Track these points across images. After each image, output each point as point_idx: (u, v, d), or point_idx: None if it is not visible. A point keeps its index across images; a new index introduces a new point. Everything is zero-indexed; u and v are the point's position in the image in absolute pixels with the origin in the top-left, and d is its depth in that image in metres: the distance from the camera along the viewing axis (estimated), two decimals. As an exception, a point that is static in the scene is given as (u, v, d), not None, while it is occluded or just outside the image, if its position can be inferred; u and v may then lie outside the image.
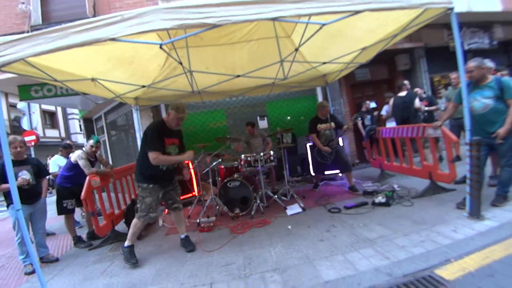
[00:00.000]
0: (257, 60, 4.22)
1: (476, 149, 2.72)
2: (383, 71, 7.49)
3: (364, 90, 7.51)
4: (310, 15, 2.28)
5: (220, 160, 4.54)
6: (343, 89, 7.00)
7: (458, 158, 4.66)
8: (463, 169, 3.20)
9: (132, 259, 2.89)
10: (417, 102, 5.24)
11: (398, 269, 2.09)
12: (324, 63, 4.47)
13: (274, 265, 2.46)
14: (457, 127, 4.33)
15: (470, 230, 2.54)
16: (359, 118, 4.54)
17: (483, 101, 2.88)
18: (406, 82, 5.67)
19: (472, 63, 2.90)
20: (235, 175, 4.25)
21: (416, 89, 5.91)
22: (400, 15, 2.95)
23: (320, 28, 2.66)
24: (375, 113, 6.11)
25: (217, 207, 4.23)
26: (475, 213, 2.74)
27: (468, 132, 2.79)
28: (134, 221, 2.97)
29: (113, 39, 2.06)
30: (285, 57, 4.03)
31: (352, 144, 6.96)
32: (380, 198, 3.61)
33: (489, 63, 3.30)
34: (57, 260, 3.42)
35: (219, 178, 4.56)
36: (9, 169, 2.28)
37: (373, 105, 6.35)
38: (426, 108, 5.49)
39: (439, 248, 2.31)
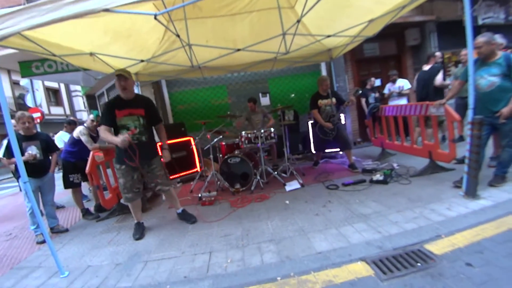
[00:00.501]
0: (258, 33, 4.07)
1: (477, 128, 2.68)
2: (391, 46, 7.16)
3: (370, 67, 7.27)
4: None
5: (221, 136, 4.57)
6: (348, 65, 6.80)
7: (461, 138, 4.63)
8: (464, 148, 3.18)
9: (136, 235, 3.01)
10: (438, 79, 4.74)
11: (389, 243, 2.17)
12: (329, 36, 4.30)
13: (270, 236, 2.57)
14: (463, 106, 4.21)
15: (464, 208, 2.58)
16: (360, 91, 4.44)
17: (489, 78, 2.79)
18: (438, 53, 5.16)
19: (481, 39, 2.77)
20: (236, 152, 4.30)
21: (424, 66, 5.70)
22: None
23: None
24: (376, 94, 5.95)
25: (218, 182, 4.33)
26: (471, 192, 2.77)
27: (471, 110, 2.73)
28: None
29: (106, 10, 2.00)
30: (287, 30, 3.89)
31: (355, 122, 6.89)
32: (378, 176, 3.66)
33: (499, 39, 3.15)
34: (66, 230, 3.61)
35: (220, 155, 4.63)
36: (14, 144, 2.34)
37: (377, 82, 6.19)
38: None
39: (431, 224, 2.37)
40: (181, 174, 5.20)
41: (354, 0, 3.29)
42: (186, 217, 3.21)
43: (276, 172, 4.29)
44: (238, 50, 4.30)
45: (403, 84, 5.68)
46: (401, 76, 6.38)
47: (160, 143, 3.23)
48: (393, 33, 6.59)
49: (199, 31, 3.86)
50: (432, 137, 3.84)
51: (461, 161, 3.55)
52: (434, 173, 3.67)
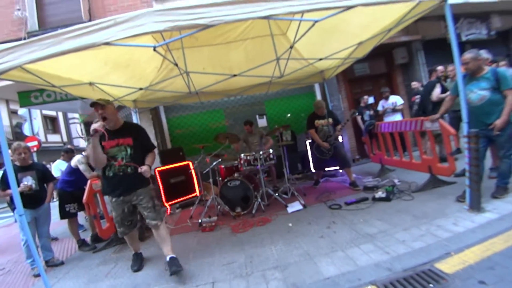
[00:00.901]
0: (253, 58, 4.22)
1: (474, 141, 2.71)
2: (381, 65, 7.45)
3: (362, 85, 7.49)
4: (302, 12, 2.28)
5: (220, 160, 4.55)
6: (341, 84, 6.99)
7: (458, 151, 4.66)
8: (463, 161, 3.20)
9: (134, 266, 2.90)
10: (434, 93, 4.60)
11: (398, 264, 2.10)
12: (321, 59, 4.46)
13: (275, 262, 2.48)
14: (457, 119, 4.31)
15: (470, 222, 2.54)
16: (357, 113, 4.54)
17: (479, 92, 2.88)
18: (440, 67, 4.99)
19: (467, 55, 2.89)
20: (235, 175, 4.26)
21: (413, 83, 5.89)
22: (395, 9, 2.94)
23: (313, 25, 2.66)
24: (371, 111, 6.09)
25: (218, 206, 4.25)
26: (475, 206, 2.74)
27: (465, 124, 2.78)
28: None
29: (107, 43, 2.07)
30: (281, 55, 4.03)
31: (352, 140, 6.96)
32: (380, 193, 3.62)
33: (484, 54, 3.28)
34: (62, 263, 3.46)
35: (220, 178, 4.58)
36: (11, 175, 2.31)
37: (371, 100, 6.34)
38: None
39: (439, 241, 2.31)
40: (180, 199, 5.11)
41: (342, 26, 3.45)
42: (171, 264, 2.53)
43: (277, 194, 4.23)
44: (234, 75, 4.43)
45: (395, 100, 5.83)
46: (393, 92, 6.56)
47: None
48: (382, 52, 6.87)
49: (196, 59, 3.99)
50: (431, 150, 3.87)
51: (461, 174, 3.56)
52: (435, 187, 3.66)
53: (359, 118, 6.08)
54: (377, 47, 3.99)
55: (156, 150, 2.98)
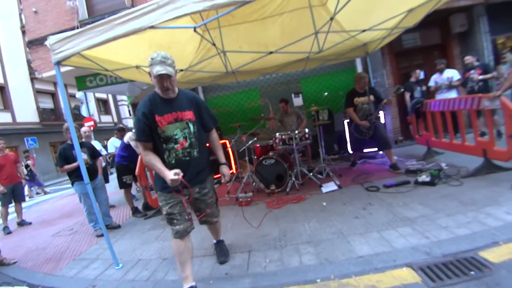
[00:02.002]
0: (290, 34, 4.07)
1: (543, 121, 2.37)
2: (434, 35, 6.59)
3: (411, 58, 6.79)
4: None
5: (255, 138, 4.65)
6: (386, 58, 6.42)
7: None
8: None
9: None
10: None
11: (438, 249, 2.03)
12: (364, 30, 4.12)
13: (308, 238, 2.57)
14: (522, 97, 3.77)
15: (526, 212, 2.31)
16: (402, 89, 4.16)
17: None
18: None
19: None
20: (270, 153, 4.35)
21: (467, 58, 5.18)
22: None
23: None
24: (423, 87, 5.53)
25: (254, 183, 4.42)
26: (536, 194, 2.46)
27: (534, 102, 2.43)
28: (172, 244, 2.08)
29: (152, 27, 2.20)
30: (319, 28, 3.83)
31: (396, 120, 6.48)
32: (424, 177, 3.41)
33: None
34: (119, 227, 4.00)
35: (255, 156, 4.72)
36: (78, 151, 2.69)
37: (422, 75, 5.76)
38: (480, 77, 4.83)
39: (487, 230, 2.15)
40: (217, 175, 5.39)
41: (391, -10, 3.13)
42: (220, 252, 2.48)
43: (311, 173, 4.24)
44: (271, 53, 4.34)
45: (451, 74, 5.20)
46: (449, 66, 5.85)
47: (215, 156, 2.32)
48: (436, 20, 6.04)
49: (233, 38, 4.00)
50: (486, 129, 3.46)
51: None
52: (489, 173, 3.31)
53: (407, 95, 5.55)
54: (430, 14, 3.55)
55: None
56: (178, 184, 1.87)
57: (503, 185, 2.90)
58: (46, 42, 2.48)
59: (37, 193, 10.96)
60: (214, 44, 3.51)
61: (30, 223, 5.44)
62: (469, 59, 5.14)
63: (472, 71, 4.98)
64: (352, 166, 4.87)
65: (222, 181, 2.20)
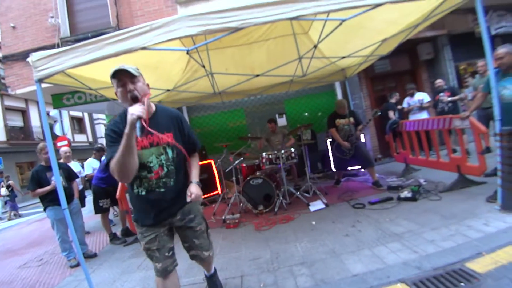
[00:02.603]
0: (275, 58, 4.27)
1: (507, 139, 2.62)
2: (404, 61, 7.25)
3: (385, 82, 7.33)
4: (329, 11, 2.30)
5: (242, 158, 4.65)
6: (362, 82, 6.88)
7: (488, 150, 4.47)
8: (493, 161, 3.09)
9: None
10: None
11: (428, 263, 2.09)
12: (343, 57, 4.43)
13: (301, 259, 2.53)
14: (485, 117, 4.15)
15: (502, 223, 2.46)
16: (379, 113, 4.43)
17: (514, 89, 2.77)
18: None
19: (502, 50, 2.78)
20: (257, 173, 4.34)
21: (438, 81, 5.69)
22: (423, 3, 2.87)
23: (340, 24, 2.67)
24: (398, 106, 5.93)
25: (241, 204, 4.35)
26: (508, 206, 2.64)
27: (498, 122, 2.69)
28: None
29: (144, 48, 2.21)
30: (303, 54, 4.06)
31: (374, 139, 6.83)
32: (405, 193, 3.56)
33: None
34: (95, 255, 3.70)
35: (241, 176, 4.68)
36: (56, 173, 2.52)
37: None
38: (449, 99, 5.30)
39: (470, 241, 2.26)
40: (203, 196, 5.25)
41: (366, 22, 3.41)
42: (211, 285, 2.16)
43: (298, 192, 4.26)
44: (257, 75, 4.49)
45: (422, 97, 5.65)
46: (418, 90, 6.35)
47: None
48: (405, 49, 6.63)
49: (219, 60, 4.11)
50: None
51: (491, 174, 3.43)
52: (464, 187, 3.54)
53: (391, 113, 5.85)
54: (401, 43, 3.92)
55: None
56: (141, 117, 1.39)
57: (479, 198, 3.09)
58: (29, 59, 2.39)
59: (14, 215, 10.11)
60: (203, 66, 3.57)
61: (-10, 255, 4.89)
62: (440, 82, 5.63)
63: (441, 94, 5.44)
64: (337, 184, 4.98)
65: (188, 199, 1.67)
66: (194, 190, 1.68)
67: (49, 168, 3.46)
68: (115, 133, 1.58)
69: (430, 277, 1.93)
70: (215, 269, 2.19)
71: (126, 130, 1.39)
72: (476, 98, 3.34)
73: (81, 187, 4.93)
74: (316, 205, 3.91)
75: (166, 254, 1.72)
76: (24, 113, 16.90)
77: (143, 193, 1.67)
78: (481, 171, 3.35)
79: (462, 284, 1.79)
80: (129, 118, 1.38)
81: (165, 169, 1.67)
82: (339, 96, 6.53)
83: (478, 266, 1.95)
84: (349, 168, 5.13)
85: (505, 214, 2.61)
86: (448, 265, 2.03)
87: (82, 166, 5.54)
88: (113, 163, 1.47)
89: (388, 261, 2.21)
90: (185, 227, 1.80)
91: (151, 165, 1.65)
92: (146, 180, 1.66)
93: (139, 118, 1.39)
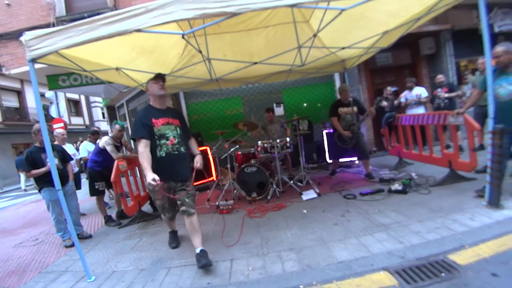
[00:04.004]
0: (274, 46, 4.20)
1: (499, 137, 2.65)
2: (405, 55, 7.18)
3: (384, 75, 7.28)
4: (329, 0, 2.27)
5: (237, 146, 4.67)
6: (362, 74, 6.83)
7: (481, 147, 4.52)
8: (485, 158, 3.13)
9: (172, 243, 3.00)
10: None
11: (411, 253, 2.16)
12: (343, 48, 4.37)
13: (290, 245, 2.60)
14: (482, 115, 4.17)
15: (487, 218, 2.53)
16: (383, 101, 4.42)
17: (509, 88, 2.77)
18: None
19: (499, 48, 2.77)
20: (252, 161, 4.37)
21: (438, 76, 5.67)
22: (427, -4, 2.84)
23: (340, 13, 2.63)
24: (395, 100, 5.93)
25: (235, 191, 4.40)
26: (494, 202, 2.71)
27: (491, 120, 2.71)
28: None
29: (138, 30, 2.16)
30: (303, 43, 4.00)
31: (370, 131, 6.86)
32: (396, 186, 3.62)
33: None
34: (90, 236, 3.76)
35: (236, 164, 4.72)
36: (50, 155, 2.52)
37: (394, 88, 6.16)
38: (446, 95, 5.30)
39: (454, 235, 2.34)
40: (197, 183, 5.31)
41: (369, 13, 3.35)
42: (201, 258, 2.41)
43: (292, 181, 4.32)
44: (255, 63, 4.43)
45: (420, 92, 5.64)
46: (417, 85, 6.34)
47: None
48: (407, 42, 6.60)
49: (218, 46, 4.03)
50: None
51: (482, 171, 3.48)
52: (454, 182, 3.61)
53: (385, 103, 5.90)
54: (402, 37, 3.87)
55: None
56: (152, 189, 2.33)
57: (467, 193, 3.16)
58: (22, 38, 2.34)
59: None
60: (200, 51, 3.52)
61: (-14, 233, 4.95)
62: (440, 78, 5.61)
63: (439, 89, 5.44)
64: (332, 174, 5.03)
65: (195, 165, 2.70)
66: (199, 159, 2.74)
67: (43, 149, 3.44)
68: (145, 117, 2.54)
69: (413, 266, 2.00)
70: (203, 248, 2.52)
71: (146, 176, 2.30)
72: (472, 95, 3.34)
73: (76, 169, 4.94)
74: (309, 195, 3.97)
75: (175, 206, 2.73)
76: (19, 93, 16.68)
77: (163, 154, 2.51)
78: (472, 167, 3.41)
79: (442, 274, 1.86)
80: (147, 185, 2.55)
81: (177, 139, 2.58)
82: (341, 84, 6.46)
83: (460, 258, 2.02)
84: (344, 159, 5.17)
85: (491, 210, 2.68)
86: (431, 256, 2.11)
87: (77, 149, 5.54)
88: (140, 153, 2.44)
89: (373, 250, 2.28)
90: (183, 189, 2.57)
91: (168, 135, 2.54)
92: (164, 145, 2.52)
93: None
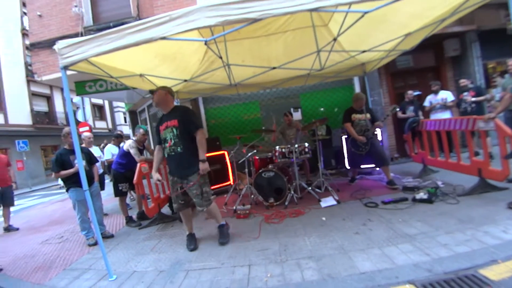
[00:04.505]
0: (292, 51, 4.21)
1: (536, 144, 2.47)
2: (428, 57, 6.90)
3: (406, 79, 7.04)
4: (351, 3, 2.24)
5: (255, 151, 4.67)
6: (382, 78, 6.65)
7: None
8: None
9: (190, 245, 3.05)
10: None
11: (439, 266, 2.04)
12: (364, 51, 4.29)
13: (309, 253, 2.54)
14: (514, 120, 3.92)
15: (523, 231, 2.36)
16: (398, 109, 4.28)
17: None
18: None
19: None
20: (270, 166, 4.36)
21: (462, 81, 5.41)
22: (451, -4, 2.74)
23: (362, 16, 2.58)
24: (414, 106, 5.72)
25: (252, 196, 4.39)
26: (532, 214, 2.52)
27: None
28: None
29: (163, 38, 2.25)
30: (322, 47, 3.97)
31: (392, 137, 6.63)
32: (421, 194, 3.46)
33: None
34: (112, 236, 3.88)
35: (254, 169, 4.71)
36: (79, 157, 2.65)
37: (417, 92, 5.94)
38: (473, 99, 5.03)
39: (486, 248, 2.19)
40: (215, 186, 5.36)
41: (390, 15, 3.27)
42: (221, 234, 3.10)
43: (310, 187, 4.25)
44: (274, 68, 4.45)
45: (446, 95, 5.40)
46: (442, 88, 6.08)
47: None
48: (430, 44, 6.33)
49: (237, 52, 4.10)
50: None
51: (516, 180, 3.26)
52: (484, 192, 3.39)
53: (399, 113, 5.74)
54: (425, 38, 3.73)
55: (204, 131, 3.20)
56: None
57: (499, 204, 2.97)
58: (55, 46, 2.49)
59: None
60: (220, 57, 3.58)
61: (17, 229, 5.24)
62: (464, 82, 5.37)
63: (465, 93, 5.18)
64: (351, 181, 4.90)
65: (201, 172, 2.88)
66: (201, 167, 2.86)
67: (72, 151, 3.60)
68: (156, 127, 3.07)
69: (441, 280, 1.89)
70: (225, 223, 3.18)
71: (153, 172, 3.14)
72: (503, 99, 3.16)
73: (101, 171, 5.15)
74: (328, 201, 3.89)
75: (180, 201, 3.04)
76: (48, 99, 17.76)
77: (166, 155, 2.98)
78: (504, 176, 3.20)
79: (473, 290, 1.75)
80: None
81: (173, 141, 2.88)
82: (358, 91, 6.34)
83: (492, 273, 1.89)
84: (363, 166, 5.03)
85: (526, 222, 2.50)
86: (460, 270, 1.98)
87: (102, 151, 5.78)
88: (155, 154, 3.15)
89: (398, 261, 2.18)
90: (188, 190, 2.91)
91: (167, 138, 2.90)
92: (166, 148, 2.94)
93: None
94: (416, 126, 4.88)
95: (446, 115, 5.29)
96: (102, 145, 11.46)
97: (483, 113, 4.54)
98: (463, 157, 4.01)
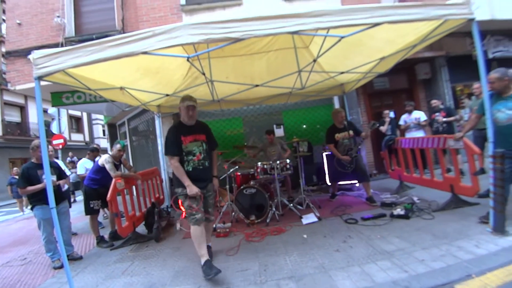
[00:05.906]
0: (275, 70, 4.33)
1: (500, 161, 2.64)
2: (402, 80, 7.38)
3: (382, 99, 7.43)
4: (329, 28, 2.36)
5: (237, 167, 4.63)
6: (360, 98, 6.97)
7: (482, 171, 4.51)
8: (487, 182, 3.11)
9: (212, 271, 2.47)
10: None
11: (417, 283, 2.06)
12: (342, 72, 4.50)
13: (289, 273, 2.49)
14: (481, 139, 4.20)
15: (493, 245, 2.45)
16: (377, 125, 4.45)
17: (507, 112, 2.81)
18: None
19: (493, 75, 2.84)
20: (251, 182, 4.32)
21: (433, 101, 5.79)
22: (420, 26, 2.96)
23: (339, 40, 2.73)
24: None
25: (233, 213, 4.30)
26: (499, 228, 2.64)
27: (491, 144, 2.72)
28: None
29: (145, 53, 2.24)
30: (303, 67, 4.12)
31: (370, 154, 6.86)
32: (398, 210, 3.55)
33: (512, 73, 3.21)
34: (81, 258, 3.60)
35: (235, 185, 4.65)
36: (47, 172, 2.49)
37: (391, 115, 6.26)
38: (444, 119, 5.38)
39: (460, 263, 2.25)
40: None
41: (366, 40, 3.48)
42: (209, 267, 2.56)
43: (291, 204, 4.23)
44: (257, 86, 4.54)
45: (419, 115, 5.72)
46: (415, 108, 6.44)
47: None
48: (403, 67, 6.79)
49: (221, 69, 4.15)
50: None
51: (484, 195, 3.44)
52: (457, 207, 3.54)
53: (383, 129, 5.96)
54: (398, 62, 3.99)
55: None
56: (194, 196, 2.66)
57: (471, 219, 3.10)
58: (30, 56, 2.41)
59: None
60: (204, 74, 3.61)
61: (-27, 252, 4.74)
62: (435, 102, 5.73)
63: (437, 114, 5.52)
64: (332, 198, 4.94)
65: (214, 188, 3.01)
66: (215, 182, 3.01)
67: (40, 166, 3.33)
68: (174, 136, 2.77)
69: (419, 297, 1.90)
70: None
71: (188, 188, 2.67)
72: (470, 119, 3.38)
73: (66, 187, 4.84)
74: (309, 218, 3.88)
75: (202, 209, 2.77)
76: (22, 109, 16.87)
77: (190, 169, 2.76)
78: (474, 191, 3.37)
79: (450, 306, 1.77)
80: (189, 194, 2.66)
81: (203, 155, 2.83)
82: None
83: (468, 288, 1.93)
84: (344, 182, 5.11)
85: (496, 236, 2.61)
86: (437, 286, 2.02)
87: (72, 165, 5.46)
88: (175, 168, 2.73)
89: (377, 279, 2.18)
90: (207, 197, 2.88)
91: (195, 152, 2.79)
92: (191, 161, 2.78)
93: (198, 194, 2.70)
94: (392, 143, 5.09)
95: (420, 133, 5.58)
96: (68, 158, 10.90)
97: (453, 132, 4.83)
98: (436, 174, 4.20)
